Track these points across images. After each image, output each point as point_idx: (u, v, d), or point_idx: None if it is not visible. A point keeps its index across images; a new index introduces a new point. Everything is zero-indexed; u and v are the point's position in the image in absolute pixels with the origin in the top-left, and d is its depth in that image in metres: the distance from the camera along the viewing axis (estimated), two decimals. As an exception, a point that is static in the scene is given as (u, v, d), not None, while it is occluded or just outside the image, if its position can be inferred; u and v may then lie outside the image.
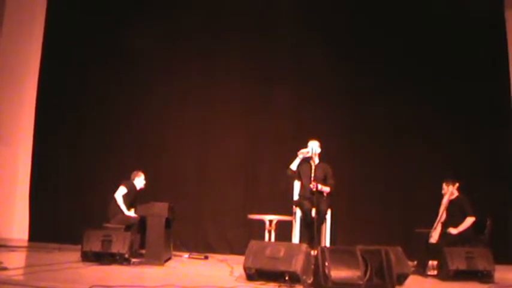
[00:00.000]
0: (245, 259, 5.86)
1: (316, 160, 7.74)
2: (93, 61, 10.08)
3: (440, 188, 7.57)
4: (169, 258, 7.72)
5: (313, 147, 7.69)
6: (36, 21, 10.42)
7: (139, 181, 8.35)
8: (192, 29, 10.11)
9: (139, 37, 9.78)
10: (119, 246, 6.81)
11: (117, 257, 6.79)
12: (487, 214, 7.36)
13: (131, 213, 7.87)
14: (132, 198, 8.14)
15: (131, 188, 8.17)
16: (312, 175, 7.59)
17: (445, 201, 7.42)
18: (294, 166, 7.70)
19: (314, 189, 7.36)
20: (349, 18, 9.87)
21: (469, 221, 7.24)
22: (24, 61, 10.35)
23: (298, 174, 7.80)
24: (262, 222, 7.77)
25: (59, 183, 9.86)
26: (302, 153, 7.63)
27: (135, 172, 8.35)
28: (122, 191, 8.00)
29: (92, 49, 10.11)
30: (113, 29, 10.10)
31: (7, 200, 9.96)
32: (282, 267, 5.58)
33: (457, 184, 7.46)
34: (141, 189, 8.38)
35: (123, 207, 7.90)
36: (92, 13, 10.21)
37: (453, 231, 7.20)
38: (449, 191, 7.40)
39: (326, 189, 7.57)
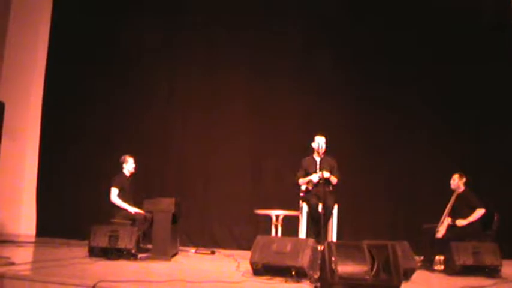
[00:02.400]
0: (251, 254, 5.87)
1: (322, 155, 7.75)
2: (99, 58, 10.08)
3: (447, 182, 7.57)
4: (176, 254, 7.73)
5: (319, 142, 7.70)
6: (42, 18, 10.44)
7: (129, 166, 8.06)
8: (195, 26, 10.07)
9: (144, 34, 9.78)
10: (126, 242, 6.84)
11: (124, 252, 6.82)
12: (494, 209, 7.35)
13: (135, 209, 7.74)
14: (130, 191, 8.01)
15: (122, 182, 7.93)
16: (318, 169, 7.65)
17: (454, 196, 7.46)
18: (301, 182, 7.77)
19: (321, 177, 7.43)
20: (354, 13, 9.79)
21: (479, 212, 7.20)
22: (31, 58, 10.38)
23: (304, 171, 7.82)
24: (269, 217, 7.79)
25: (66, 179, 9.88)
26: (312, 181, 7.67)
27: (122, 158, 8.08)
28: (114, 192, 7.76)
29: (97, 46, 10.11)
30: (117, 27, 10.07)
31: (14, 196, 10.00)
32: (288, 262, 5.58)
33: (464, 179, 7.47)
34: (132, 174, 8.13)
35: (125, 206, 7.72)
36: (97, 10, 10.21)
37: (462, 222, 7.17)
38: (458, 184, 7.42)
39: (333, 179, 7.56)
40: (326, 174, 7.48)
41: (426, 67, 9.43)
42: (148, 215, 7.53)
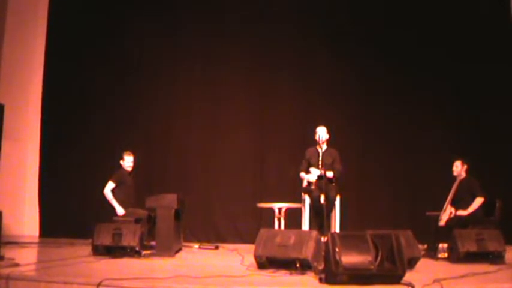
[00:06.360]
0: (255, 248, 5.88)
1: (324, 146, 7.75)
2: (98, 55, 10.02)
3: (449, 170, 7.58)
4: (179, 250, 7.75)
5: (320, 133, 7.70)
6: (39, 17, 10.37)
7: (125, 163, 8.01)
8: (196, 21, 10.03)
9: (144, 30, 9.73)
10: (130, 239, 6.83)
11: (128, 250, 6.81)
12: (497, 195, 7.36)
13: (121, 210, 7.72)
14: (132, 186, 8.02)
15: (122, 177, 7.93)
16: (320, 161, 7.63)
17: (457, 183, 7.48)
18: (301, 177, 7.77)
19: (320, 175, 7.45)
20: (356, 6, 9.79)
21: (479, 201, 7.24)
22: (29, 57, 10.32)
23: (307, 162, 7.82)
24: (272, 210, 7.79)
25: (68, 178, 9.84)
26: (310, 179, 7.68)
27: (122, 156, 8.04)
28: (109, 186, 7.79)
29: (97, 43, 10.06)
30: (117, 23, 10.01)
31: (17, 197, 9.99)
32: (292, 255, 5.59)
33: (465, 166, 7.49)
34: (131, 171, 8.09)
35: (113, 203, 7.73)
36: (96, 8, 10.14)
37: (463, 213, 7.20)
38: (461, 170, 7.45)
39: (329, 173, 7.55)
40: (328, 174, 7.48)
41: (424, 57, 9.44)
42: (152, 215, 7.53)
